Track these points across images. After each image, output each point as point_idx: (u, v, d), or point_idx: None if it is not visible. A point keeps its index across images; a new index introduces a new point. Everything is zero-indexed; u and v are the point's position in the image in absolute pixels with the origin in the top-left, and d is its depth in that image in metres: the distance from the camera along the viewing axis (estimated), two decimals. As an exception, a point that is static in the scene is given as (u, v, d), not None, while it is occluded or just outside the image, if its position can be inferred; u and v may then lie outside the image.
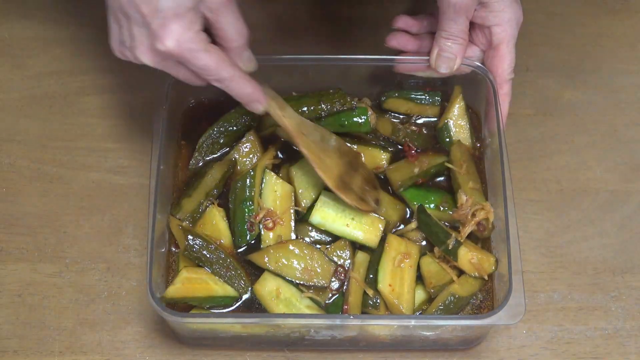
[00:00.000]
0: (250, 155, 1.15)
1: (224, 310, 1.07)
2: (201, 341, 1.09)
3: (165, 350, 1.10)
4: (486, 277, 1.05)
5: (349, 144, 1.15)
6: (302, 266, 1.06)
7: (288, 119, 1.05)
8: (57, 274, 1.14)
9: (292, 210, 1.10)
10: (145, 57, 0.94)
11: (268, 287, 1.05)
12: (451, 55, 1.09)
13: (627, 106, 1.28)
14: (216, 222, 1.10)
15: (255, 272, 1.08)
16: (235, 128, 1.15)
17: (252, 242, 1.10)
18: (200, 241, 1.06)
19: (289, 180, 1.12)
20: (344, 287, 1.07)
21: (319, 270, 1.06)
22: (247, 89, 0.98)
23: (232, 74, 0.96)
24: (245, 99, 1.00)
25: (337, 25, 1.35)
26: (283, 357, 1.09)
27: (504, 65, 1.11)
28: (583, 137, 1.25)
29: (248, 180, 1.09)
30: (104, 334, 1.10)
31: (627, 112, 1.27)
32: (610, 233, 1.17)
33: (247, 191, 1.09)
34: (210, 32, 0.95)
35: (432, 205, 1.11)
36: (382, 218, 1.09)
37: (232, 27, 0.95)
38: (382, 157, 1.15)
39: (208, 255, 1.06)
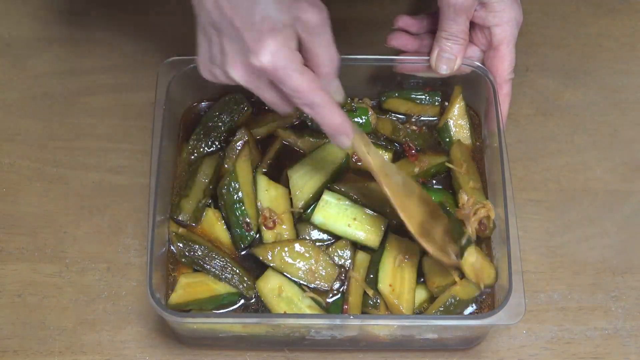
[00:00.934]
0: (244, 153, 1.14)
1: (224, 310, 1.07)
2: (201, 341, 1.09)
3: (165, 350, 1.10)
4: (482, 287, 1.04)
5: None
6: (306, 267, 1.06)
7: (372, 157, 0.99)
8: (57, 274, 1.14)
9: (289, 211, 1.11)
10: (237, 73, 0.90)
11: (271, 284, 1.05)
12: (451, 55, 1.09)
13: (627, 106, 1.28)
14: (213, 224, 1.10)
15: (260, 269, 1.08)
16: (222, 127, 1.16)
17: (254, 240, 1.10)
18: (189, 248, 1.06)
19: (286, 182, 1.12)
20: (344, 287, 1.07)
21: (322, 273, 1.06)
22: (337, 119, 0.92)
23: (324, 100, 0.90)
24: (333, 130, 0.93)
25: (337, 25, 1.34)
26: (283, 357, 1.09)
27: (504, 65, 1.11)
28: (583, 137, 1.25)
29: (232, 183, 1.09)
30: (104, 334, 1.10)
31: (627, 112, 1.27)
32: (610, 233, 1.17)
33: (234, 194, 1.09)
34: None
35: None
36: (384, 218, 1.09)
37: (326, 51, 0.91)
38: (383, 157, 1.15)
39: (201, 261, 1.06)
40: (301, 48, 0.91)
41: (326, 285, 1.06)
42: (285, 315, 1.04)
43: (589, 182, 1.21)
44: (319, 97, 0.90)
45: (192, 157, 1.14)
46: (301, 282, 1.06)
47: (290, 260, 1.06)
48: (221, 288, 1.06)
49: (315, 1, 0.91)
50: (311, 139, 1.15)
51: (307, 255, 1.06)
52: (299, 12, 0.89)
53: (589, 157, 1.23)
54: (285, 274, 1.06)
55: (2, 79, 1.29)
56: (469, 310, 1.07)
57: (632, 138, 1.25)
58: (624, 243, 1.17)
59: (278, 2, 0.87)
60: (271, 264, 1.06)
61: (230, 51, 0.89)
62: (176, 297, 1.04)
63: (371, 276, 1.07)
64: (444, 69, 1.10)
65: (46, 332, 1.10)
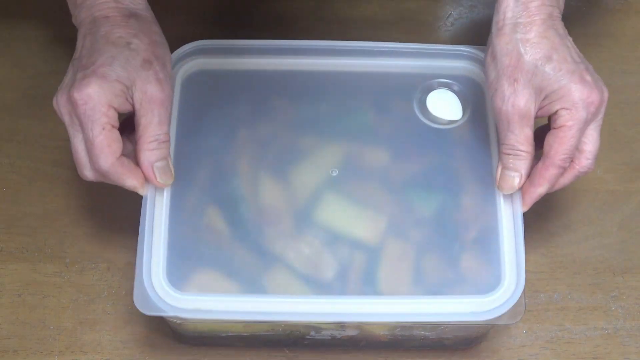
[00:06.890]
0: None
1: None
2: (201, 341, 1.09)
3: (165, 350, 1.10)
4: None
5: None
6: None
7: None
8: (57, 274, 1.14)
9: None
10: (57, 100, 0.95)
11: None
12: (513, 173, 0.98)
13: (627, 106, 1.28)
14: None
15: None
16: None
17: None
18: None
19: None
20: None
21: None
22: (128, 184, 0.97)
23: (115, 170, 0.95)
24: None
25: (338, 25, 1.35)
26: (283, 357, 1.09)
27: (560, 147, 0.96)
28: (583, 137, 1.25)
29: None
30: (104, 333, 1.10)
31: (627, 112, 1.27)
32: (610, 233, 1.17)
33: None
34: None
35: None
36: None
37: (153, 129, 0.96)
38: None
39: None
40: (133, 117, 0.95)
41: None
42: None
43: (589, 182, 1.21)
44: (109, 163, 0.93)
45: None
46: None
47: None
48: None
49: (163, 78, 0.95)
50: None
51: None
52: (140, 81, 0.93)
53: (589, 157, 1.23)
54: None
55: (2, 79, 1.29)
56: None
57: (632, 138, 1.25)
58: (624, 243, 1.17)
59: (124, 60, 0.92)
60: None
61: (65, 80, 0.95)
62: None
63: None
64: (506, 190, 1.00)
65: (46, 332, 1.10)
